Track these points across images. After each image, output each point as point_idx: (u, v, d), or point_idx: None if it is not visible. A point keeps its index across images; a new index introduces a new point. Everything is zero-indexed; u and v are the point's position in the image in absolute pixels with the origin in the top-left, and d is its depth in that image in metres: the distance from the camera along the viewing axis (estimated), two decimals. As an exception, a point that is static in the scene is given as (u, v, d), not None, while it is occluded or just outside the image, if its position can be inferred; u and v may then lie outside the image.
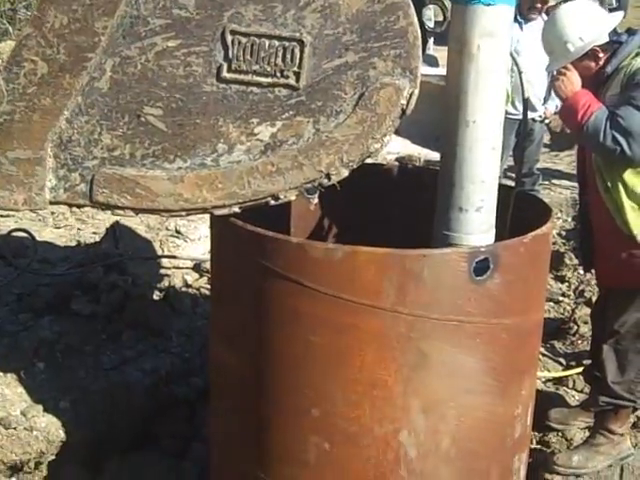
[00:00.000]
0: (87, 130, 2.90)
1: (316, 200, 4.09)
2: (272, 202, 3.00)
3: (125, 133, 2.90)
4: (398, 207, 4.05)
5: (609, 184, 3.45)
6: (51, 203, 2.98)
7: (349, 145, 2.93)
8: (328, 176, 2.97)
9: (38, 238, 5.99)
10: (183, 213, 3.01)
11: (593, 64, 3.61)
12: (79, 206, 3.02)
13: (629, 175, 3.40)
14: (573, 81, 3.52)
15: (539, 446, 4.03)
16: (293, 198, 3.03)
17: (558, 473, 3.70)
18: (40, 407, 4.05)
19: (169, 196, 2.94)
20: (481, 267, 2.93)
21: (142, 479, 4.21)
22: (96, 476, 4.16)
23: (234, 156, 2.94)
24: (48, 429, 3.98)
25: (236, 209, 3.00)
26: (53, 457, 4.02)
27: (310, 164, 2.94)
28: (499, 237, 3.24)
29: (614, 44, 3.59)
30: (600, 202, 3.53)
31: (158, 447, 4.50)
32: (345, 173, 2.97)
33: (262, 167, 2.94)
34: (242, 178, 2.94)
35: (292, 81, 2.88)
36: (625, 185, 3.42)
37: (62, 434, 4.00)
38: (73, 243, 6.24)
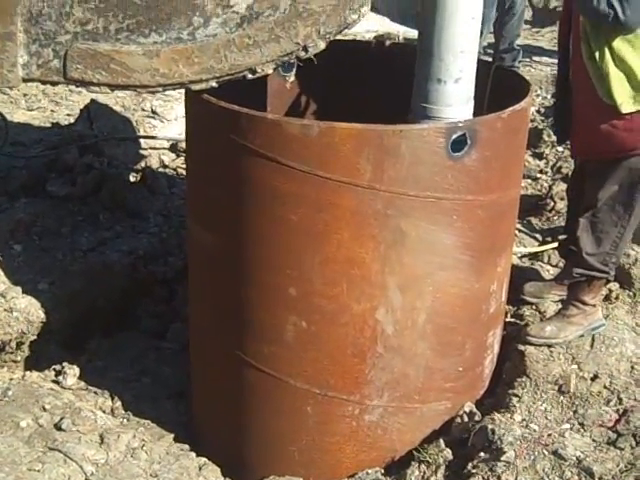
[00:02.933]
0: (58, 3, 2.78)
1: (292, 78, 4.01)
2: (249, 76, 2.94)
3: (97, 6, 2.79)
4: (377, 84, 3.98)
5: (596, 53, 3.38)
6: (24, 80, 2.89)
7: (326, 16, 2.85)
8: (305, 48, 2.90)
9: (10, 120, 5.89)
10: (160, 89, 2.95)
11: None
12: (53, 83, 2.93)
13: (618, 42, 3.32)
14: None
15: (513, 319, 4.10)
16: (270, 71, 2.98)
17: (531, 344, 3.76)
18: (19, 288, 4.05)
19: (145, 71, 2.87)
20: (458, 143, 2.90)
21: (122, 359, 4.28)
22: (77, 356, 4.21)
23: (210, 29, 2.85)
24: (28, 310, 3.99)
25: (213, 83, 2.94)
26: (34, 337, 4.05)
27: (287, 36, 2.87)
28: (477, 113, 3.21)
29: None
30: (583, 72, 3.47)
31: (138, 327, 4.56)
32: (322, 45, 2.91)
33: (239, 40, 2.86)
34: (219, 52, 2.87)
35: (268, -51, 2.78)
36: (613, 53, 3.35)
37: (42, 315, 4.02)
38: (47, 125, 6.14)
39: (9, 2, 2.77)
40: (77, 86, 2.94)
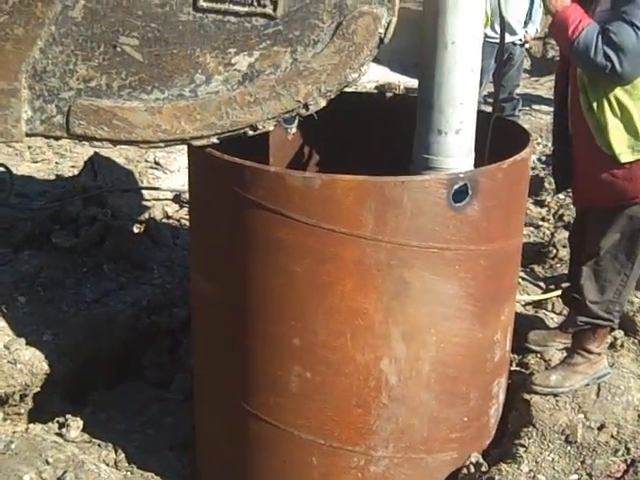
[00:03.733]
0: (62, 60, 2.84)
1: (294, 130, 4.06)
2: (250, 132, 2.98)
3: (101, 64, 2.85)
4: (378, 135, 4.02)
5: (594, 104, 3.41)
6: (28, 135, 2.94)
7: (327, 75, 2.91)
8: (306, 106, 2.96)
9: (15, 172, 5.95)
10: (162, 144, 2.99)
11: None
12: (56, 138, 2.99)
13: (617, 92, 3.34)
14: None
15: (518, 368, 4.09)
16: (271, 128, 3.02)
17: (536, 393, 3.74)
18: (23, 340, 4.06)
19: (147, 127, 2.92)
20: (460, 193, 2.93)
21: (126, 410, 4.26)
22: (80, 408, 4.19)
23: (212, 87, 2.91)
24: (32, 362, 4.00)
25: (214, 140, 2.99)
26: (38, 389, 4.04)
27: (288, 94, 2.92)
28: (478, 163, 3.24)
29: None
30: (582, 122, 3.50)
31: (142, 378, 4.54)
32: (323, 103, 2.96)
33: (240, 97, 2.92)
34: (220, 109, 2.92)
35: (269, 10, 2.83)
36: (610, 103, 3.37)
37: (46, 366, 4.02)
38: (51, 177, 6.20)
39: (14, 59, 2.82)
40: (80, 141, 2.99)
